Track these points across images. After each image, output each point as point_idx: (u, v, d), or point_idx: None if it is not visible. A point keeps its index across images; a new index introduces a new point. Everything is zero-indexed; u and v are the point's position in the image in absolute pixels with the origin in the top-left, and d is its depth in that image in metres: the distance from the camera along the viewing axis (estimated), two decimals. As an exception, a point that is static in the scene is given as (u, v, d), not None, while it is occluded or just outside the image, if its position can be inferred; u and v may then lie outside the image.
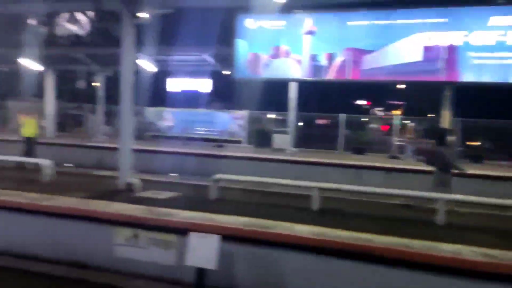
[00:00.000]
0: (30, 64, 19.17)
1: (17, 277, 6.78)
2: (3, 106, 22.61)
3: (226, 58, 15.68)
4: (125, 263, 6.49)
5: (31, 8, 12.00)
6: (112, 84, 22.09)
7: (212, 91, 22.44)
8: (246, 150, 17.09)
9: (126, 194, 8.39)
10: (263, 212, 6.99)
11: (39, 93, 23.21)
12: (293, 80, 12.72)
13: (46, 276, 6.64)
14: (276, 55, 10.24)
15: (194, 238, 5.68)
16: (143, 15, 8.67)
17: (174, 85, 22.18)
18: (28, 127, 12.55)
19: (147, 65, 17.64)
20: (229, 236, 5.83)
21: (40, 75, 21.17)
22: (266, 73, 10.29)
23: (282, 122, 20.87)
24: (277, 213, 7.05)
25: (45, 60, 18.96)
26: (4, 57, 19.77)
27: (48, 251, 7.18)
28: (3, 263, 7.16)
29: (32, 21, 18.34)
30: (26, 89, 24.34)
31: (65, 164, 13.68)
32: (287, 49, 10.41)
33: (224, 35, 12.92)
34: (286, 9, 9.90)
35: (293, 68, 10.07)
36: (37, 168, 10.29)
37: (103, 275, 6.43)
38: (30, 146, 12.60)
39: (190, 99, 22.35)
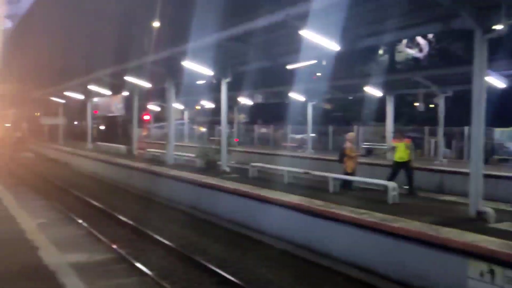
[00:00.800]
0: (372, 91, 20.71)
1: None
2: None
3: None
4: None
5: (378, 41, 12.82)
6: (452, 105, 21.23)
7: None
8: None
9: (478, 223, 7.60)
10: None
11: (378, 118, 24.81)
12: None
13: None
14: None
15: None
16: (498, 27, 7.80)
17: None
18: (399, 151, 11.99)
19: (494, 81, 15.93)
20: None
21: (380, 101, 22.56)
22: None
23: None
24: None
25: (385, 86, 20.06)
26: (352, 87, 22.18)
27: (392, 270, 7.33)
28: (347, 272, 7.80)
29: (375, 52, 19.91)
30: (369, 115, 26.44)
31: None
32: None
33: None
34: None
35: None
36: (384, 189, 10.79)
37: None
38: (399, 170, 11.93)
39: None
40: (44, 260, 5.76)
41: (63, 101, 34.63)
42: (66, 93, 30.94)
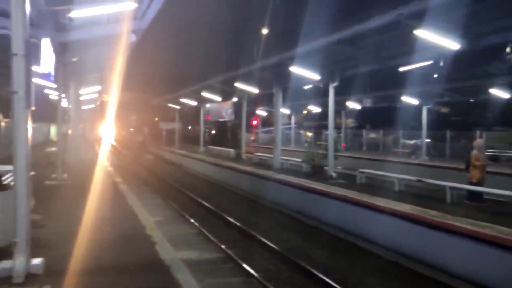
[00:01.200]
0: (498, 93, 18.78)
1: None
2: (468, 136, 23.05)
3: None
4: None
5: (506, 37, 11.52)
6: None
7: None
8: None
9: None
10: None
11: (505, 122, 22.41)
12: None
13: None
14: None
15: None
16: None
17: None
18: None
19: None
20: None
21: (508, 103, 20.37)
22: None
23: None
24: None
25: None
26: (474, 88, 20.28)
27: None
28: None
29: (502, 50, 17.93)
30: (493, 118, 24.04)
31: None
32: None
33: None
34: None
35: None
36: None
37: None
38: None
39: None
40: (160, 255, 6.14)
41: (178, 107, 37.21)
42: (181, 100, 33.18)
